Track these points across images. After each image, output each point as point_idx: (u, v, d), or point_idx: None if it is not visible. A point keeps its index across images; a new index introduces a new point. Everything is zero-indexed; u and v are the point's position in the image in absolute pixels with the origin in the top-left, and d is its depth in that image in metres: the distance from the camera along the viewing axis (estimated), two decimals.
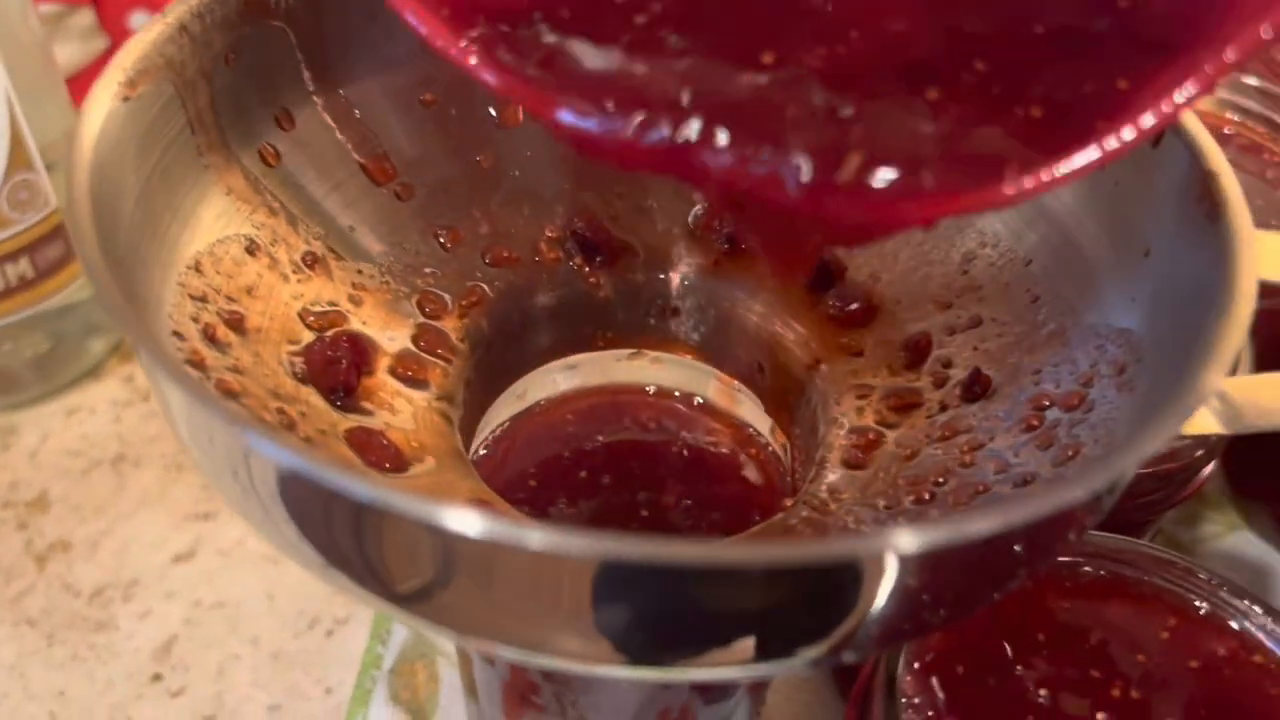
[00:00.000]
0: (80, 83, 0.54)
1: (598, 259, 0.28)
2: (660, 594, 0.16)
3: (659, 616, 0.16)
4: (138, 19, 0.53)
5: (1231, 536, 0.39)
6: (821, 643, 0.17)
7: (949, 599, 0.17)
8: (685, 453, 0.25)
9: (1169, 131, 0.22)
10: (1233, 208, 0.20)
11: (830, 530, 0.22)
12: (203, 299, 0.22)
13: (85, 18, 0.61)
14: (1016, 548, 0.17)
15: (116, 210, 0.19)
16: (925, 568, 0.16)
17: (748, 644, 0.16)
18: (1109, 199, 0.24)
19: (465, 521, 0.14)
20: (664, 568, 0.14)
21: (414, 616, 0.17)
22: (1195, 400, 0.16)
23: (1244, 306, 0.18)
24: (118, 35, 0.54)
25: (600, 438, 0.26)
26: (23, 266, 0.41)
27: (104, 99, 0.20)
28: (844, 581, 0.16)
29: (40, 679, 0.37)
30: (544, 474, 0.25)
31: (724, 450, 0.26)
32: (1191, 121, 0.22)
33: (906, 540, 0.15)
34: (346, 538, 0.16)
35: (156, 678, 0.37)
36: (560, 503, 0.25)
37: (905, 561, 0.15)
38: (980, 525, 0.15)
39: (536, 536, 0.14)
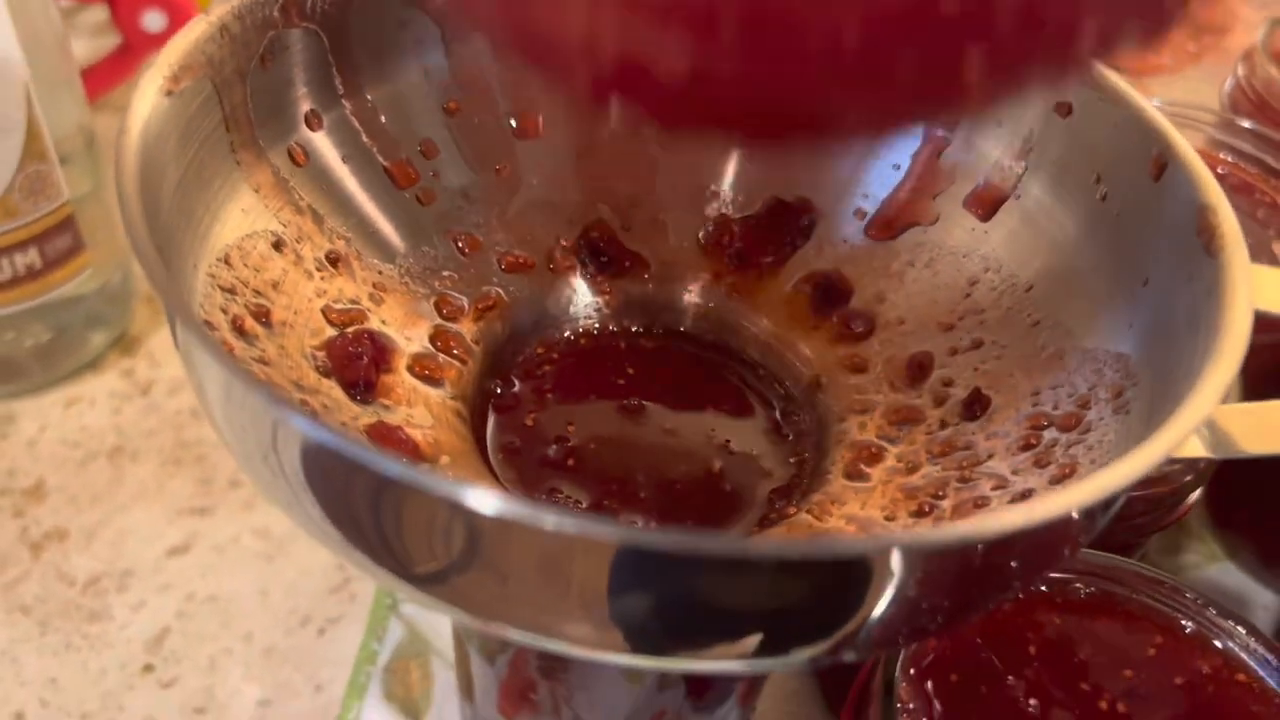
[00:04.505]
0: (90, 78, 0.55)
1: (610, 269, 0.29)
2: (673, 582, 0.16)
3: (668, 604, 0.16)
4: (151, 19, 0.54)
5: (1212, 567, 0.40)
6: (826, 638, 0.17)
7: (946, 604, 0.18)
8: (694, 459, 0.26)
9: (1171, 166, 0.23)
10: (1230, 240, 0.21)
11: (830, 535, 0.23)
12: (231, 291, 0.22)
13: (98, 14, 0.61)
14: (1014, 554, 0.18)
15: (158, 198, 0.20)
16: (928, 569, 0.17)
17: (752, 636, 0.17)
18: (1110, 229, 0.24)
19: (485, 501, 0.15)
20: (679, 556, 0.15)
21: (428, 596, 0.18)
22: (1188, 426, 0.17)
23: (1238, 337, 0.19)
24: (130, 33, 0.55)
25: (604, 434, 0.26)
26: (31, 256, 0.42)
27: (150, 92, 0.20)
28: (850, 578, 0.16)
29: (33, 666, 0.37)
30: (547, 459, 0.25)
31: (730, 457, 0.26)
32: (1192, 157, 0.23)
33: (916, 539, 0.15)
34: (368, 513, 0.17)
35: (148, 669, 0.38)
36: (553, 490, 0.25)
37: (911, 562, 0.16)
38: (984, 527, 0.15)
39: (553, 519, 0.15)
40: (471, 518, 0.15)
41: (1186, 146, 0.23)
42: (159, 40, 0.55)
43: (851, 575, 0.16)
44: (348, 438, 0.15)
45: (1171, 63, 0.61)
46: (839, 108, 0.13)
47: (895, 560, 0.16)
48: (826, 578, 0.16)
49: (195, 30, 0.22)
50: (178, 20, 0.54)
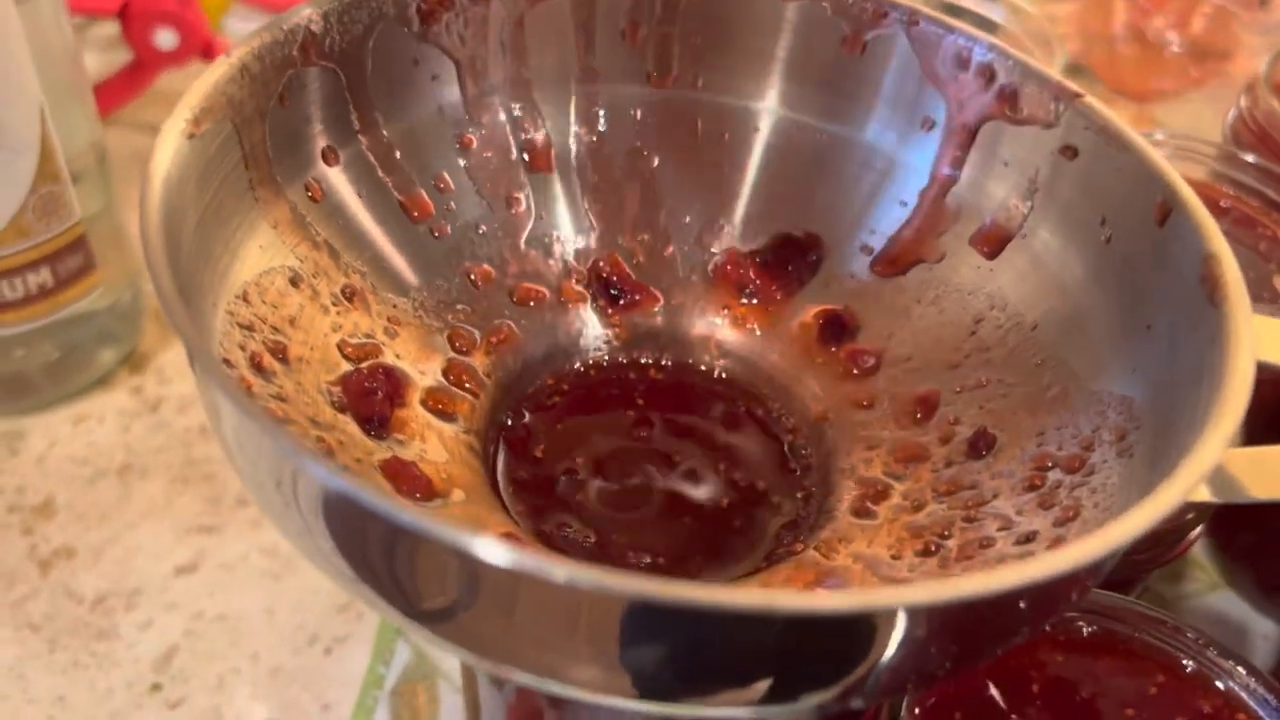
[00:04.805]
0: (101, 95, 0.55)
1: (620, 302, 0.29)
2: (683, 633, 0.16)
3: (677, 654, 0.17)
4: (163, 37, 0.54)
5: (1213, 595, 0.40)
6: (833, 687, 0.18)
7: (956, 652, 0.18)
8: (702, 493, 0.26)
9: (1175, 212, 0.23)
10: (1233, 290, 0.21)
11: (837, 574, 0.23)
12: (249, 328, 0.23)
13: (108, 28, 0.62)
14: (1023, 606, 0.18)
15: (179, 242, 0.20)
16: (940, 622, 0.17)
17: (761, 686, 0.17)
18: (1115, 272, 0.25)
19: (497, 553, 0.15)
20: (688, 609, 0.15)
21: (435, 637, 0.18)
22: (1194, 477, 0.17)
23: (1241, 387, 0.19)
24: (142, 50, 0.55)
25: (614, 476, 0.27)
26: (43, 276, 0.42)
27: (172, 137, 0.21)
28: (863, 631, 0.17)
29: (41, 684, 0.37)
30: (556, 492, 0.26)
31: (738, 491, 0.27)
32: (1196, 204, 0.23)
33: (922, 596, 0.16)
34: (381, 558, 0.17)
35: (156, 687, 0.38)
36: (563, 524, 0.26)
37: (923, 617, 0.16)
38: (992, 584, 0.16)
39: (563, 572, 0.15)
40: (481, 568, 0.16)
41: (1191, 193, 0.23)
42: (170, 58, 0.55)
43: (865, 628, 0.16)
44: (365, 486, 0.15)
45: (1175, 87, 0.62)
46: None
47: (905, 615, 0.16)
48: (840, 630, 0.16)
49: (216, 72, 0.22)
50: (189, 38, 0.54)
